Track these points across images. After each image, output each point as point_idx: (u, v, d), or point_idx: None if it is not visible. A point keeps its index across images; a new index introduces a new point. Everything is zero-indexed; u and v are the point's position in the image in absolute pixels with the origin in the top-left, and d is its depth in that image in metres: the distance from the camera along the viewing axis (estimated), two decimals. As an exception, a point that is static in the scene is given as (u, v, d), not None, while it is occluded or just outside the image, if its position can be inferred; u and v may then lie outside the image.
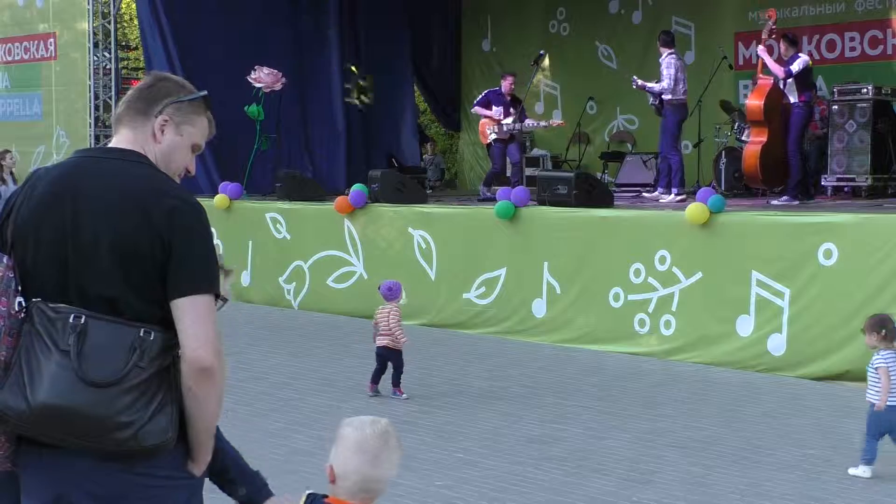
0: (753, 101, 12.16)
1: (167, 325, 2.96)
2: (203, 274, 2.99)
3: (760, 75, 12.16)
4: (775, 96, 12.01)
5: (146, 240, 2.94)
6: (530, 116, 16.28)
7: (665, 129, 13.03)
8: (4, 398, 2.87)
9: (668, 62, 12.88)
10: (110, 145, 3.12)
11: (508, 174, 14.97)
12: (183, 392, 2.98)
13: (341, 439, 2.97)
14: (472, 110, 15.24)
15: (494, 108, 14.71)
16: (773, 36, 12.33)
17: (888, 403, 6.69)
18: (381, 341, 8.95)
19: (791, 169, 12.07)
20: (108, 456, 2.91)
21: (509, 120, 14.53)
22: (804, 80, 11.90)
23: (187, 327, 2.93)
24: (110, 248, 2.95)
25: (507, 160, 14.87)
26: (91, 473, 2.93)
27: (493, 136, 14.61)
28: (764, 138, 12.11)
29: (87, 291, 2.94)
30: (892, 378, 6.63)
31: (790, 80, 11.80)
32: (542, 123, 15.36)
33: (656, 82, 12.93)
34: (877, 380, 6.71)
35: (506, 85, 14.85)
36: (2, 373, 2.91)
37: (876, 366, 6.72)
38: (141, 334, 2.91)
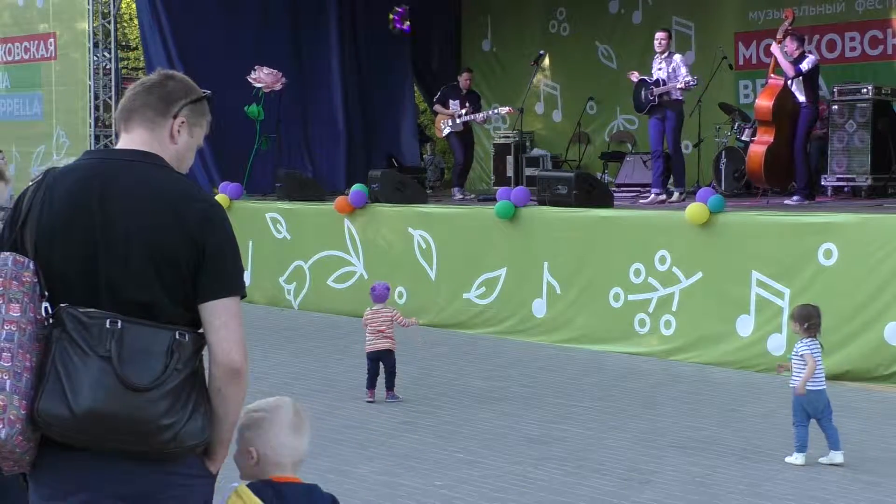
0: (763, 101, 12.21)
1: (195, 327, 2.99)
2: (233, 276, 3.05)
3: (772, 75, 12.19)
4: (785, 97, 12.06)
5: (179, 242, 2.95)
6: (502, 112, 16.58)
7: (672, 128, 12.90)
8: (46, 406, 2.85)
9: (682, 60, 12.99)
10: (125, 146, 3.09)
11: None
12: (211, 393, 3.01)
13: (260, 425, 3.15)
14: (433, 108, 15.47)
15: (451, 102, 15.27)
16: (789, 35, 12.34)
17: (809, 388, 6.99)
18: (383, 344, 8.84)
19: (798, 170, 12.07)
20: (140, 456, 2.92)
21: (462, 111, 15.10)
22: (813, 80, 11.95)
23: (219, 329, 2.98)
24: (144, 249, 2.95)
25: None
26: (122, 475, 2.94)
27: (448, 130, 15.17)
28: (770, 138, 12.14)
29: (120, 293, 2.94)
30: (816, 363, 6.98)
31: (798, 79, 11.87)
32: (494, 112, 15.69)
33: (668, 81, 12.90)
34: (801, 366, 7.00)
35: (463, 80, 15.41)
36: (36, 380, 2.89)
37: (801, 353, 7.04)
38: (176, 337, 2.93)
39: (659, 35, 13.24)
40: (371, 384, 8.88)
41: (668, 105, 12.87)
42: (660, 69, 13.04)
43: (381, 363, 8.87)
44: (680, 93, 12.86)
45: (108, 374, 2.85)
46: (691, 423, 8.21)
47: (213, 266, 2.99)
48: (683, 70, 12.85)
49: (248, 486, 3.12)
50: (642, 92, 13.15)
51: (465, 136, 15.33)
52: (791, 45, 12.15)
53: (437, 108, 15.46)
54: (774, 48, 12.15)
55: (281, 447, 3.15)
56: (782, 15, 13.03)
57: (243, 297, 3.07)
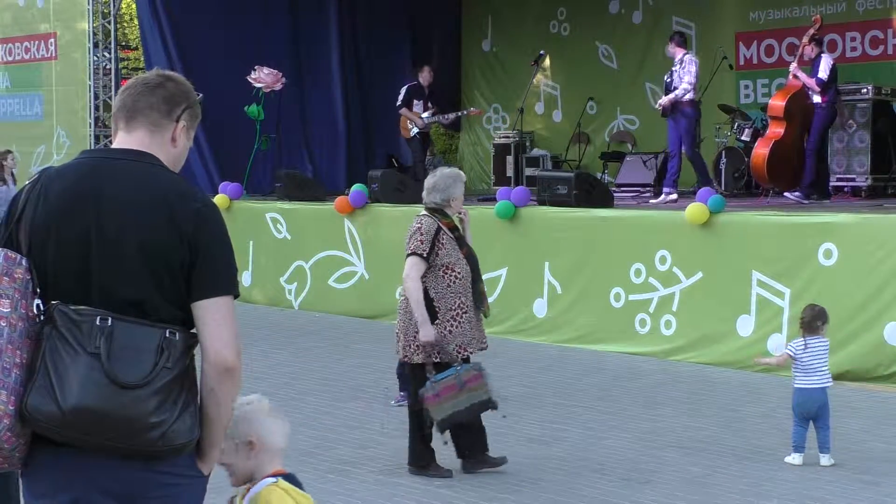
0: (777, 101, 12.42)
1: (187, 326, 3.00)
2: (226, 276, 3.04)
3: (793, 77, 12.26)
4: (800, 98, 12.19)
5: (174, 242, 2.97)
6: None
7: (686, 129, 12.88)
8: (34, 402, 2.86)
9: (689, 61, 12.82)
10: (123, 145, 3.10)
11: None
12: (203, 392, 3.02)
13: (249, 417, 3.32)
14: (400, 111, 15.38)
15: (415, 101, 15.16)
16: (815, 40, 12.28)
17: (801, 385, 7.03)
18: None
19: (806, 168, 12.11)
20: (129, 455, 2.93)
21: (427, 113, 15.01)
22: (829, 81, 12.00)
23: (211, 328, 2.98)
24: (139, 249, 2.96)
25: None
26: (112, 472, 2.95)
27: (416, 131, 15.11)
28: (780, 133, 12.23)
29: (113, 293, 2.95)
30: (802, 364, 7.02)
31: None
32: (459, 113, 15.58)
33: (674, 88, 12.80)
34: (795, 366, 7.07)
35: (423, 77, 15.23)
36: (25, 376, 2.89)
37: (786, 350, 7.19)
38: (167, 335, 2.93)
39: (668, 45, 13.25)
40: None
41: (679, 107, 12.82)
42: (672, 71, 12.98)
43: None
44: (692, 93, 12.74)
45: (96, 370, 2.86)
46: (691, 423, 8.21)
47: (206, 265, 3.00)
48: (687, 75, 12.68)
49: (284, 478, 3.29)
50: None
51: (427, 136, 15.38)
52: (809, 47, 12.18)
53: (404, 111, 15.26)
54: (794, 69, 12.16)
55: (277, 430, 3.36)
56: (811, 18, 12.89)
57: (236, 296, 3.07)
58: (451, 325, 6.74)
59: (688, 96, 12.74)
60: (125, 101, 3.12)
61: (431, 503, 6.35)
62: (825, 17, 15.34)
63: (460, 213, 7.04)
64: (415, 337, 6.68)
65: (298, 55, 17.81)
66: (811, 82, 12.03)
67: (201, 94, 3.23)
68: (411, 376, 6.87)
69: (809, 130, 12.17)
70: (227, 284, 3.03)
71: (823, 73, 11.91)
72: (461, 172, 7.16)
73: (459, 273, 6.79)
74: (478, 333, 6.91)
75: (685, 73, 12.71)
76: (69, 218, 2.99)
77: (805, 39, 12.30)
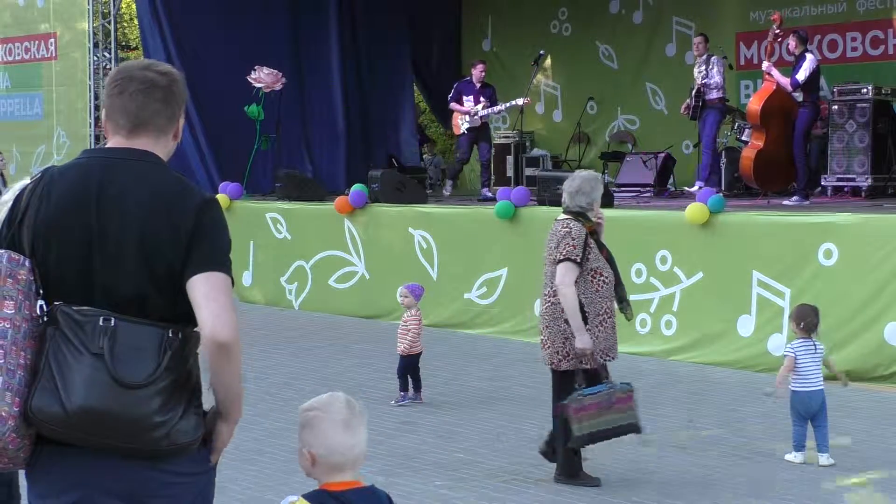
0: (752, 105, 12.41)
1: (191, 324, 2.99)
2: (219, 255, 3.02)
3: (766, 77, 12.25)
4: (776, 99, 12.13)
5: (174, 240, 2.97)
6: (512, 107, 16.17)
7: (712, 125, 13.43)
8: (38, 403, 2.86)
9: (718, 62, 13.43)
10: (124, 146, 3.09)
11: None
12: (210, 372, 3.02)
13: (312, 424, 3.02)
14: (450, 107, 15.12)
15: (465, 97, 14.89)
16: (779, 39, 12.40)
17: (799, 388, 7.02)
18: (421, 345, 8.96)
19: (797, 172, 12.11)
20: (134, 454, 2.93)
21: (479, 107, 14.71)
22: (811, 80, 11.99)
23: (203, 303, 2.95)
24: (139, 247, 2.96)
25: (477, 154, 15.24)
26: (116, 472, 2.95)
27: (467, 126, 14.80)
28: (761, 143, 12.23)
29: (114, 292, 2.95)
30: (798, 367, 6.99)
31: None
32: (509, 104, 15.37)
33: (706, 85, 13.34)
34: (801, 369, 7.01)
35: (476, 73, 15.01)
36: (29, 377, 2.90)
37: (783, 353, 7.15)
38: (169, 335, 2.94)
39: (695, 40, 13.90)
40: (413, 386, 8.96)
41: (709, 105, 13.37)
42: (699, 72, 13.46)
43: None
44: (717, 92, 13.34)
45: (100, 371, 2.86)
46: (691, 423, 8.20)
47: (198, 247, 2.98)
48: (717, 78, 13.31)
49: (305, 497, 2.97)
50: (690, 100, 13.51)
51: (480, 132, 14.92)
52: (792, 43, 12.18)
53: (454, 105, 14.95)
54: (768, 67, 12.24)
55: (334, 447, 2.98)
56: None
57: (231, 280, 3.03)
58: (598, 331, 6.55)
59: (718, 94, 13.31)
60: (127, 106, 3.07)
61: (431, 503, 6.35)
62: (826, 18, 15.40)
63: (599, 217, 6.89)
64: (563, 344, 6.51)
65: (298, 55, 17.80)
66: (785, 81, 12.02)
67: (182, 73, 3.21)
68: (557, 383, 6.63)
69: (793, 131, 12.16)
70: (220, 261, 3.01)
71: (802, 74, 11.87)
72: (599, 174, 7.04)
73: (607, 278, 6.64)
74: (616, 340, 6.74)
75: (717, 73, 13.31)
76: (71, 218, 2.99)
77: (770, 38, 12.37)
